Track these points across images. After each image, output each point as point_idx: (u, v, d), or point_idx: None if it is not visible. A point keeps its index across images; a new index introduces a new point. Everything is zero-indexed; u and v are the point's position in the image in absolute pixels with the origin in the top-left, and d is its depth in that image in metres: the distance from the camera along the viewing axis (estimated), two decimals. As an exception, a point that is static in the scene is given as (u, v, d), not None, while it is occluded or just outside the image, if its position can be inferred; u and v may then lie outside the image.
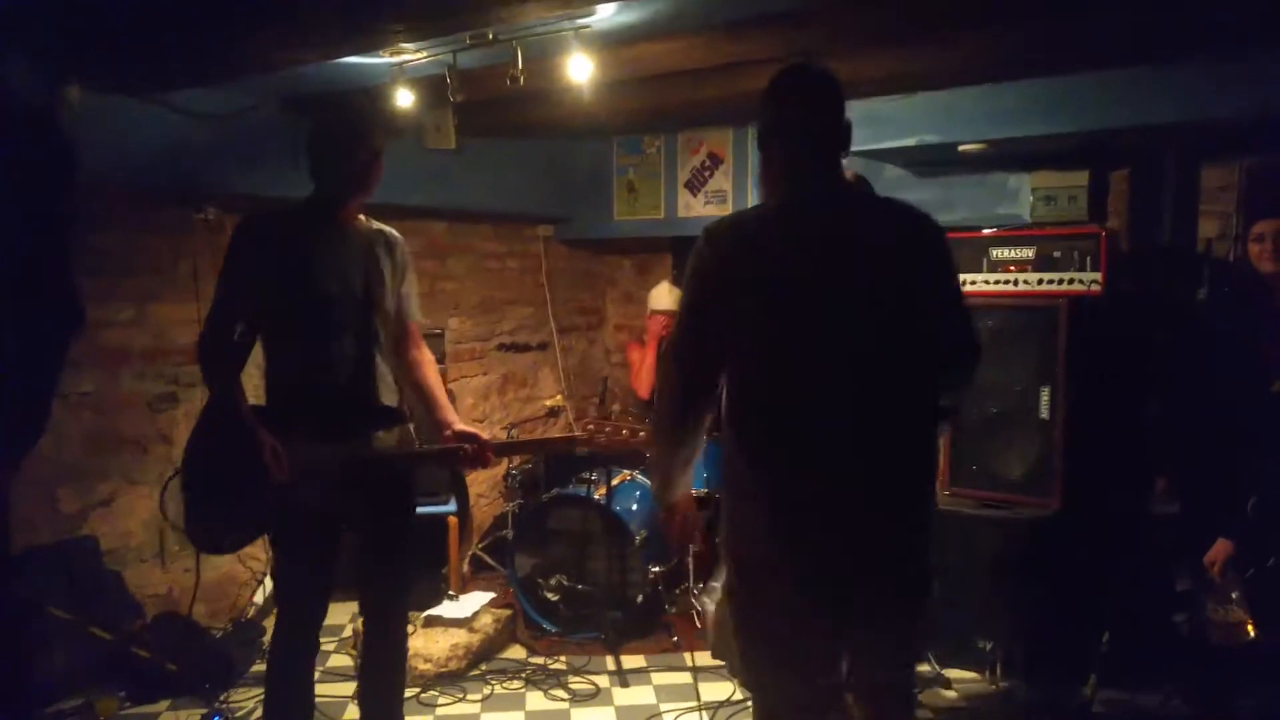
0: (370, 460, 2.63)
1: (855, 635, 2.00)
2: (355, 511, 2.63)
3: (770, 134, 2.03)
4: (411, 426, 2.72)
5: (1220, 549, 2.86)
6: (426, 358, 2.84)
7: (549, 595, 4.04)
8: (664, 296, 4.98)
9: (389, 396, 2.67)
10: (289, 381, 2.57)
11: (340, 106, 2.57)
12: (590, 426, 2.90)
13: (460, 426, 2.73)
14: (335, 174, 2.55)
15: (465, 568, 4.65)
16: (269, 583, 4.21)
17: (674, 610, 4.11)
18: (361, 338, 2.58)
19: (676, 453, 2.10)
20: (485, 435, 2.74)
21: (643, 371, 4.98)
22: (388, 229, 2.74)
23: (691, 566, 4.22)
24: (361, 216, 2.69)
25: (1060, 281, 3.64)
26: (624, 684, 3.64)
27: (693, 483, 2.24)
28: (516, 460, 4.68)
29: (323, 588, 2.67)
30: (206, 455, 2.55)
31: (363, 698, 2.88)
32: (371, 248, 2.64)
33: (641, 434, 2.86)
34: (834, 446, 1.88)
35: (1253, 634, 2.86)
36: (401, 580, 2.83)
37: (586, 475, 4.20)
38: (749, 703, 3.41)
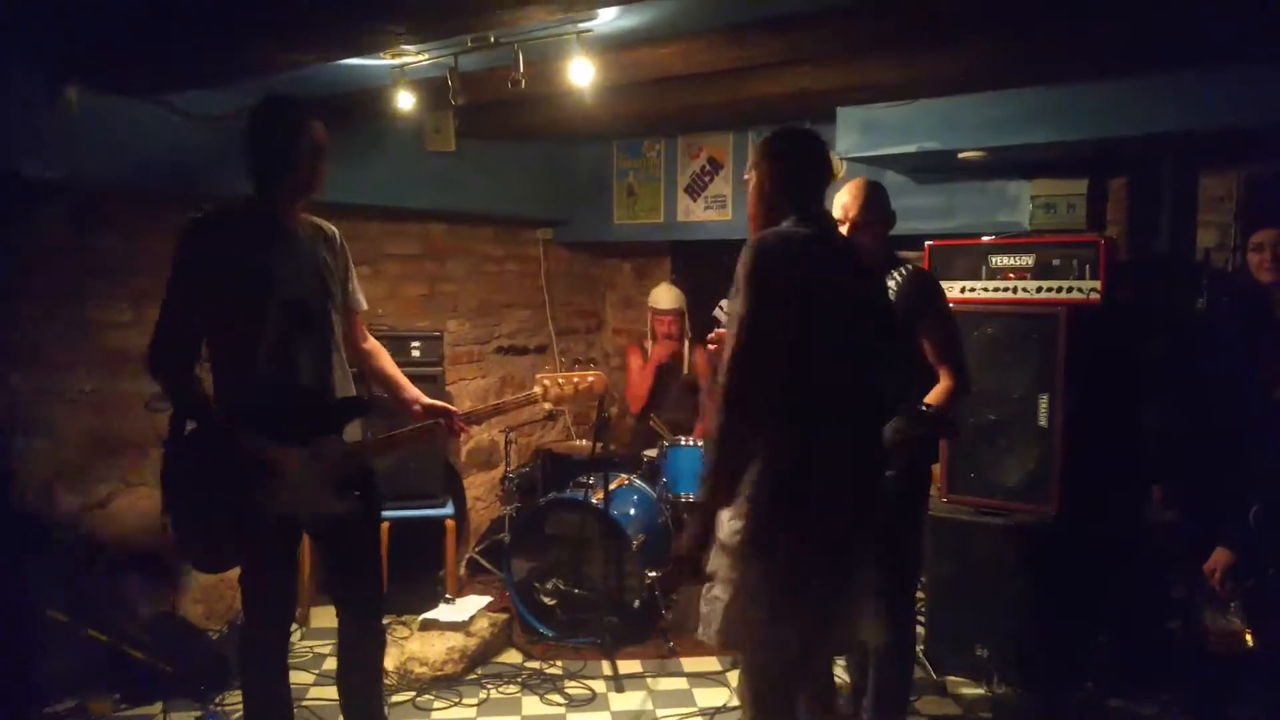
0: (353, 453, 2.62)
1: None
2: (328, 512, 2.57)
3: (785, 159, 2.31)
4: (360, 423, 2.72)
5: (1220, 557, 2.86)
6: (376, 344, 2.87)
7: (546, 599, 4.04)
8: (665, 295, 5.00)
9: (349, 388, 2.67)
10: (248, 385, 2.51)
11: (277, 101, 2.52)
12: (545, 382, 2.90)
13: (427, 401, 2.78)
14: (279, 173, 2.49)
15: (462, 571, 4.65)
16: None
17: (671, 615, 4.10)
18: (319, 335, 2.57)
19: (735, 465, 2.17)
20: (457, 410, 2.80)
21: (640, 385, 5.00)
22: (323, 223, 2.70)
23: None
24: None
25: (1059, 290, 3.64)
26: (620, 689, 3.63)
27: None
28: (514, 464, 4.68)
29: (293, 591, 2.76)
30: (185, 474, 2.53)
31: (345, 699, 2.86)
32: (316, 244, 2.63)
33: (591, 379, 2.94)
34: (867, 438, 2.29)
35: (1251, 643, 2.86)
36: (379, 577, 2.84)
37: (584, 479, 4.20)
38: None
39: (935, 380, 2.80)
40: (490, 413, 3.06)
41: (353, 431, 2.66)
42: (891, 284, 2.76)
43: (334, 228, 2.73)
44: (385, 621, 3.78)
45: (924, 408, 2.71)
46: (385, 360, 2.85)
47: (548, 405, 2.96)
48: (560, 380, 2.90)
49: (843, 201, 2.86)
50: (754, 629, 2.19)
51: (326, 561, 2.76)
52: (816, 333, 2.15)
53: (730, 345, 2.12)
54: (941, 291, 2.91)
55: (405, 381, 2.83)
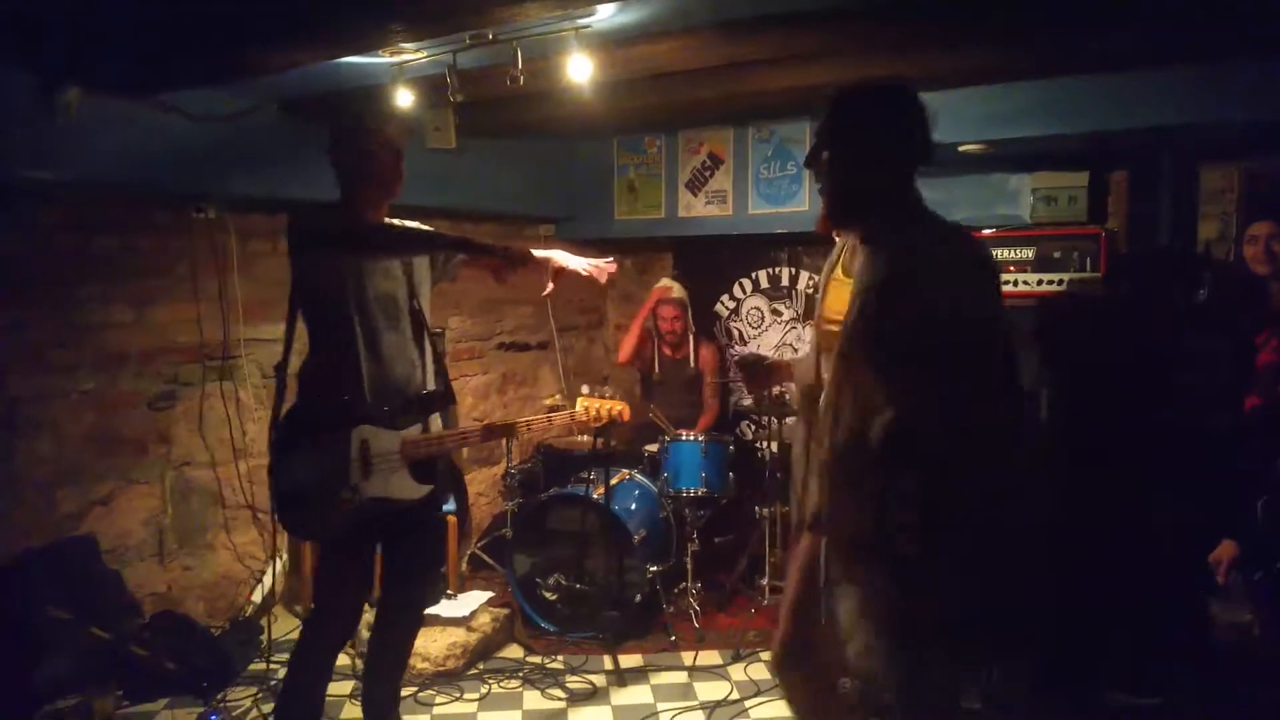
0: (433, 442, 2.79)
1: None
2: (405, 497, 2.75)
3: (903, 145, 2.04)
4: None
5: (1226, 550, 2.85)
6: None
7: (547, 595, 4.05)
8: (674, 285, 5.15)
9: (439, 380, 2.87)
10: (345, 375, 2.64)
11: (354, 111, 2.70)
12: (586, 404, 3.23)
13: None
14: (361, 178, 2.70)
15: (464, 567, 4.66)
16: (267, 581, 4.22)
17: (672, 610, 4.11)
18: (408, 328, 2.76)
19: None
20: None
21: (629, 339, 5.15)
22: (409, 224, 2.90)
23: (690, 567, 4.22)
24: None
25: (1059, 282, 3.64)
26: (621, 683, 3.64)
27: None
28: (515, 460, 4.68)
29: (362, 599, 2.87)
30: (286, 445, 2.66)
31: (366, 684, 2.98)
32: None
33: (620, 409, 3.23)
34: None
35: (1258, 635, 2.86)
36: (433, 575, 3.05)
37: (585, 475, 4.20)
38: (745, 702, 3.43)
39: None
40: (543, 423, 3.27)
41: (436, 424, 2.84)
42: None
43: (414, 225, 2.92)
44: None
45: None
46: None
47: (581, 421, 3.25)
48: (598, 404, 3.21)
49: None
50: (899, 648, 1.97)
51: (387, 554, 2.93)
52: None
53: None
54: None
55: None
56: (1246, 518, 2.83)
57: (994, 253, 3.81)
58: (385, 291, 2.71)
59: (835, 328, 2.02)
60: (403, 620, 2.97)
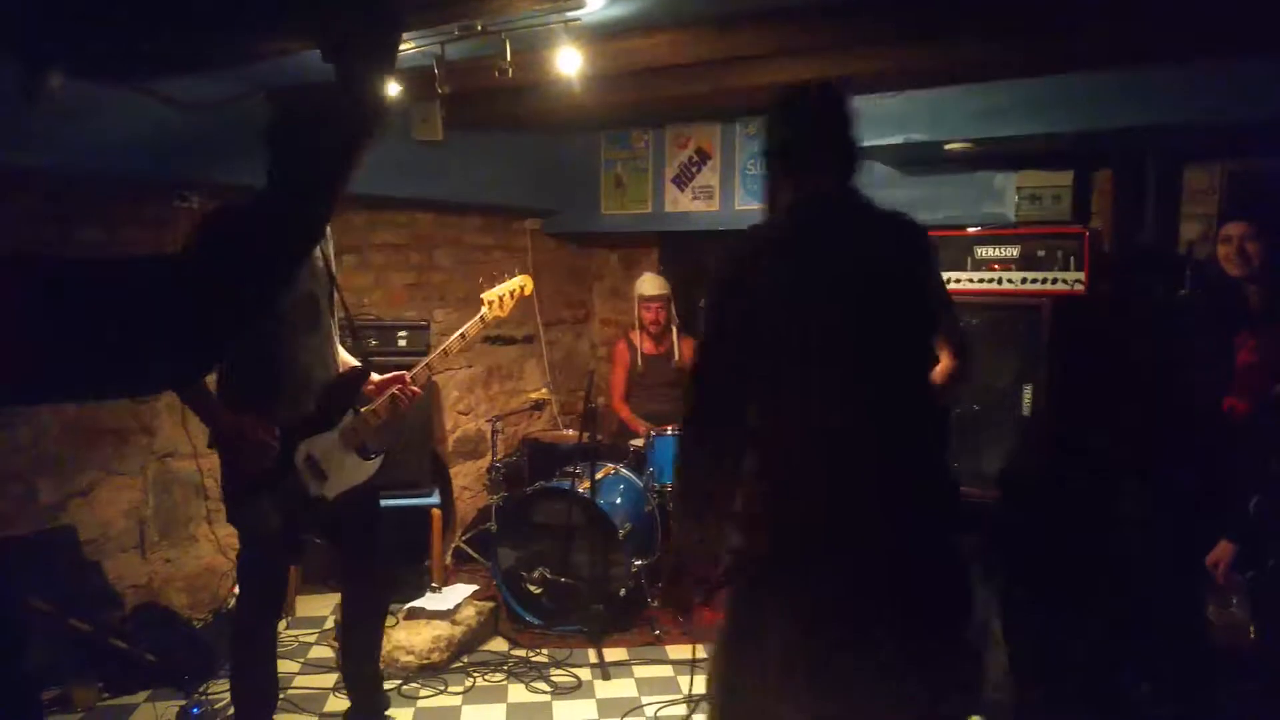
0: (369, 418, 2.83)
1: None
2: (362, 481, 2.84)
3: (785, 150, 2.02)
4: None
5: (1223, 550, 2.86)
6: None
7: (532, 588, 4.05)
8: (650, 283, 5.05)
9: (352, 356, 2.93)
10: (272, 379, 2.64)
11: (303, 99, 2.63)
12: (490, 300, 3.20)
13: (378, 379, 2.93)
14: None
15: (448, 560, 4.65)
16: (250, 574, 4.20)
17: (656, 604, 4.12)
18: (328, 324, 2.78)
19: (702, 493, 1.91)
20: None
21: (618, 384, 5.12)
22: None
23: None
24: None
25: (1044, 281, 3.66)
26: (606, 677, 3.65)
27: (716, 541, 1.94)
28: (501, 454, 4.68)
29: (287, 578, 2.96)
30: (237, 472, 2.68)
31: (346, 668, 3.07)
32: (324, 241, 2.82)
33: (520, 283, 3.23)
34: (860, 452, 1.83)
35: (1253, 635, 2.88)
36: (379, 549, 3.02)
37: (571, 469, 4.20)
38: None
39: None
40: (440, 357, 3.07)
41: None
42: None
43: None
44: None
45: None
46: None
47: (493, 316, 3.17)
48: (497, 293, 3.16)
49: None
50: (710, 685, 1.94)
51: (340, 541, 2.95)
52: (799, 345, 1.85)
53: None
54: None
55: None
56: (1239, 518, 2.85)
57: (979, 251, 3.84)
58: (305, 292, 2.67)
59: None
60: (374, 593, 3.02)
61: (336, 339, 2.85)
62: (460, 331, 3.09)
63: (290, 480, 2.66)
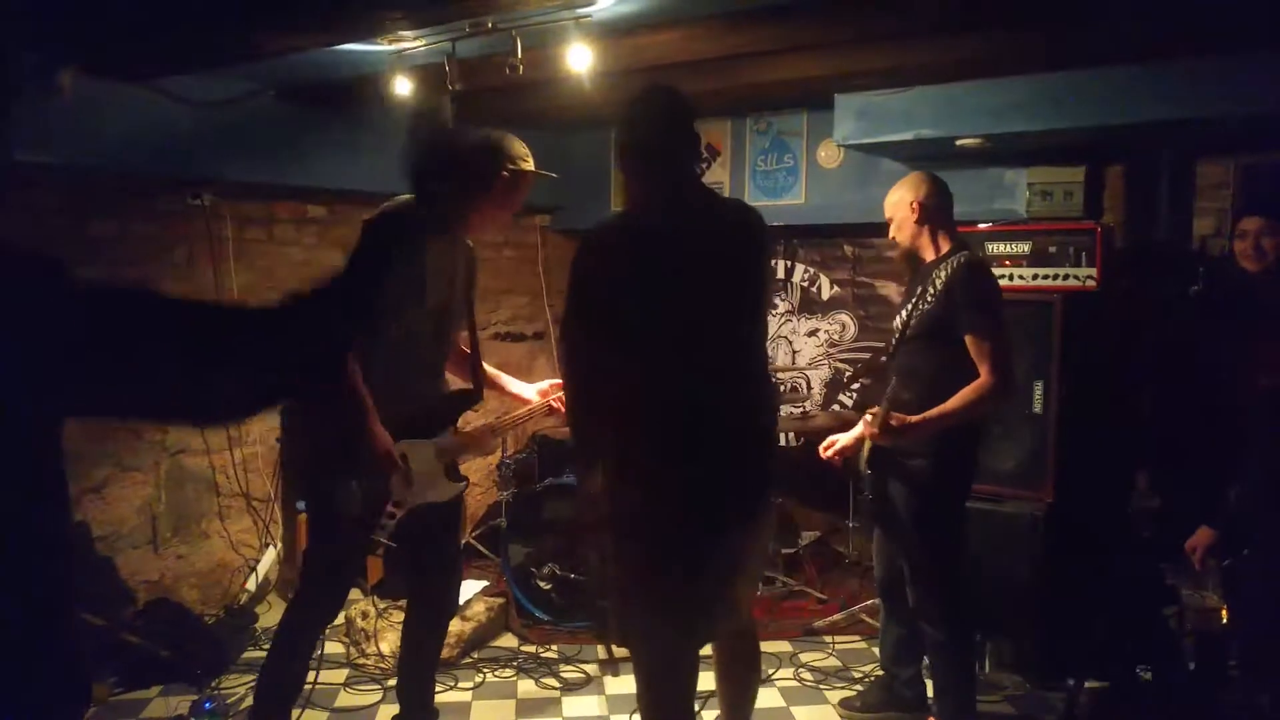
0: (465, 442, 2.88)
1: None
2: (445, 499, 2.83)
3: (634, 151, 2.30)
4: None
5: (1202, 536, 2.88)
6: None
7: (541, 584, 4.05)
8: None
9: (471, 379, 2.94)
10: (392, 381, 2.65)
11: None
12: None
13: (531, 391, 3.05)
14: (466, 191, 2.68)
15: (458, 556, 4.65)
16: (261, 569, 4.22)
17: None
18: (451, 340, 2.85)
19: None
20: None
21: None
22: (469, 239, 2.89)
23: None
24: None
25: (1055, 277, 3.65)
26: (615, 672, 3.65)
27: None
28: (511, 450, 4.68)
29: (351, 586, 2.94)
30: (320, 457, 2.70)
31: (403, 679, 3.02)
32: (469, 256, 2.87)
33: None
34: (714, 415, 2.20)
35: (1225, 621, 2.89)
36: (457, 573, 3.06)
37: (581, 465, 4.21)
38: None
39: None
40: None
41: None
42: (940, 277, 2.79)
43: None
44: (382, 606, 3.81)
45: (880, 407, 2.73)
46: (489, 369, 3.06)
47: None
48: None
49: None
50: (630, 621, 2.26)
51: (412, 555, 2.88)
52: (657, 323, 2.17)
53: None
54: (981, 287, 2.77)
55: (505, 379, 3.08)
56: (1219, 506, 2.86)
57: (990, 247, 3.82)
58: (437, 304, 2.71)
59: None
60: (441, 611, 3.00)
61: (455, 348, 2.88)
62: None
63: (379, 478, 2.62)
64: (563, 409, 2.95)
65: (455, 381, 2.94)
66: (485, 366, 3.00)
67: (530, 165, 2.73)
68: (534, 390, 3.04)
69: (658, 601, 2.23)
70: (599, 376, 2.18)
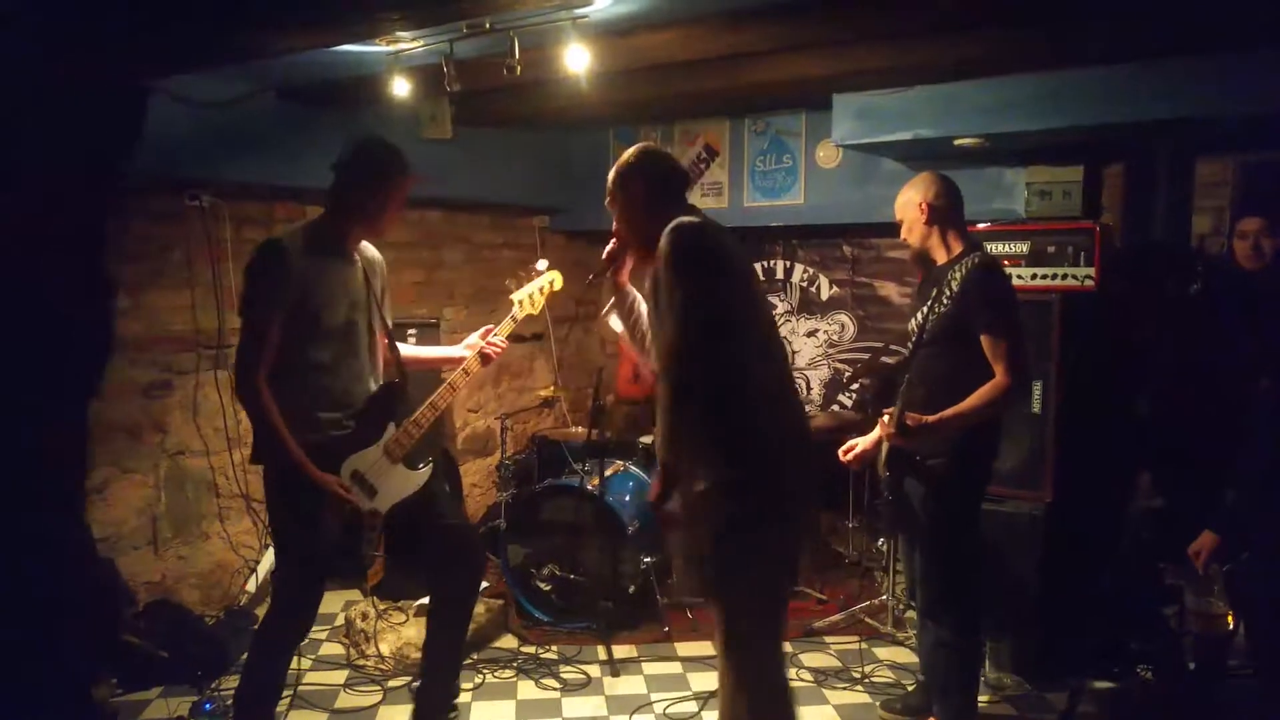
0: (411, 430, 2.84)
1: None
2: (414, 491, 2.85)
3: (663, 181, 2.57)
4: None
5: (1206, 540, 2.88)
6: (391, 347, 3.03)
7: (541, 585, 4.05)
8: None
9: (390, 370, 2.93)
10: (311, 398, 2.65)
11: (381, 147, 2.78)
12: (521, 299, 3.18)
13: (463, 353, 3.05)
14: (360, 205, 2.71)
15: (458, 557, 4.66)
16: (261, 570, 4.22)
17: (666, 601, 4.12)
18: (367, 349, 2.81)
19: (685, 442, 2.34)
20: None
21: (627, 369, 5.09)
22: (372, 248, 2.90)
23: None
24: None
25: (1054, 276, 3.65)
26: (615, 673, 3.65)
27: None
28: (510, 451, 4.68)
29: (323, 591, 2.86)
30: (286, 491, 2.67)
31: (429, 662, 3.03)
32: (369, 268, 2.84)
33: (550, 278, 3.23)
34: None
35: (1230, 625, 2.89)
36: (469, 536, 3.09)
37: (579, 466, 4.21)
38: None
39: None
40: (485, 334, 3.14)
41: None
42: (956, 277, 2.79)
43: (376, 252, 2.93)
44: (382, 607, 3.82)
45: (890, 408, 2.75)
46: (410, 351, 3.07)
47: (524, 314, 3.19)
48: (528, 291, 3.17)
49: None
50: (739, 576, 2.28)
51: (410, 550, 2.98)
52: (752, 307, 2.37)
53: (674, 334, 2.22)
54: (996, 287, 2.77)
55: (435, 351, 3.15)
56: (1221, 510, 2.86)
57: (989, 247, 3.82)
58: (344, 320, 2.70)
59: None
60: (460, 588, 2.99)
61: (379, 358, 2.86)
62: (495, 332, 3.09)
63: (339, 501, 2.64)
64: (496, 354, 3.04)
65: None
66: (407, 350, 3.03)
67: (394, 173, 2.75)
68: (462, 348, 3.05)
69: (771, 578, 2.34)
70: (722, 369, 2.23)
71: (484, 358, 3.02)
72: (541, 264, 3.24)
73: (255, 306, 2.59)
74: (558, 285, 3.18)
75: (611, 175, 2.57)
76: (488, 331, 3.05)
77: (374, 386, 2.81)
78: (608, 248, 2.67)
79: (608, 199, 2.60)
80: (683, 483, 2.32)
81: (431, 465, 2.90)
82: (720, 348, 2.22)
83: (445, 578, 2.96)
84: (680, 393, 2.23)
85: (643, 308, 2.67)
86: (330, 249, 2.69)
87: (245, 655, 2.85)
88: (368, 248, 2.87)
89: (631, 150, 2.60)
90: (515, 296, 3.15)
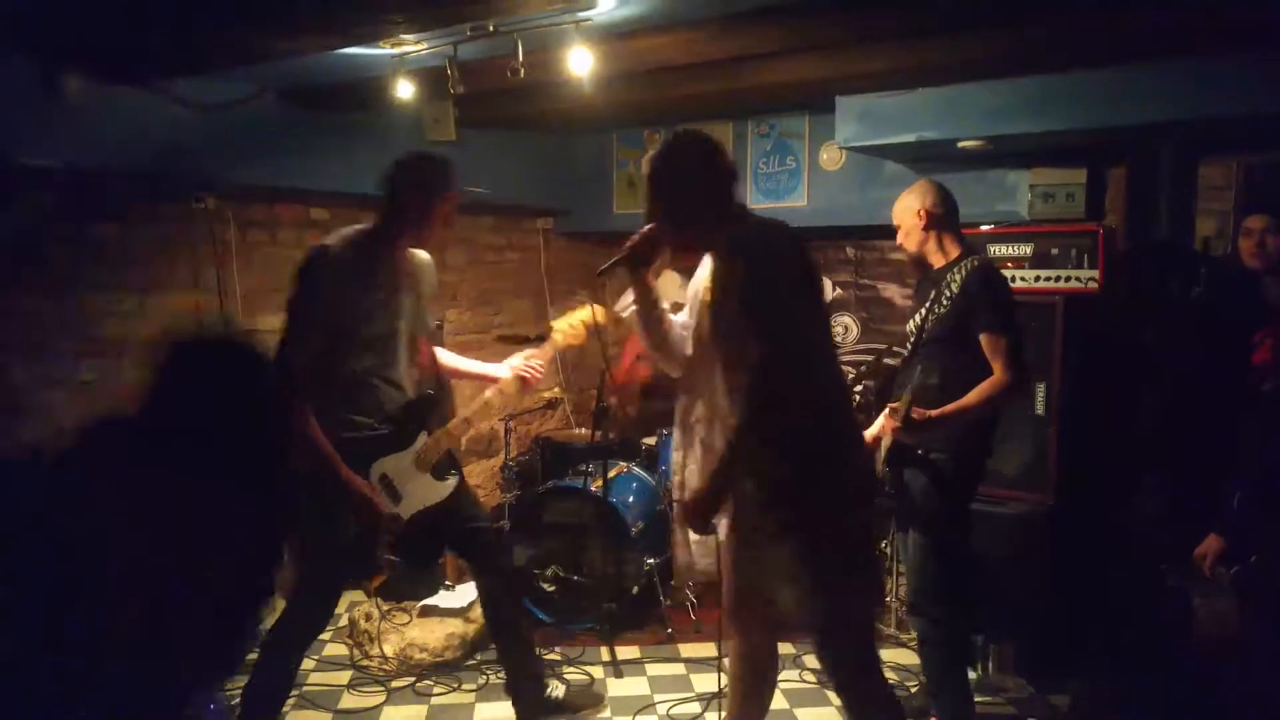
0: (441, 441, 2.90)
1: None
2: (438, 501, 2.89)
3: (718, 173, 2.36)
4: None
5: (1211, 543, 2.88)
6: (435, 353, 3.11)
7: (545, 586, 4.06)
8: (672, 288, 4.96)
9: (428, 381, 3.02)
10: (352, 405, 2.72)
11: (429, 161, 2.81)
12: (557, 336, 3.13)
13: (502, 375, 3.06)
14: (408, 217, 2.75)
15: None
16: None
17: (669, 602, 4.12)
18: (408, 355, 2.86)
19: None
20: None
21: (627, 363, 5.07)
22: (422, 254, 2.93)
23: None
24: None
25: (1057, 279, 3.65)
26: (618, 675, 3.66)
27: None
28: (514, 452, 4.69)
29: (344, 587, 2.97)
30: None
31: (504, 651, 3.14)
32: (418, 273, 2.89)
33: (590, 310, 3.13)
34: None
35: (1238, 628, 2.88)
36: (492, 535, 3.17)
37: (583, 467, 4.21)
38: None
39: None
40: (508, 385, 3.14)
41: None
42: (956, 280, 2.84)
43: (428, 257, 2.96)
44: (385, 608, 3.82)
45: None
46: (450, 360, 3.13)
47: (565, 345, 3.18)
48: (569, 323, 3.14)
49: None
50: (828, 600, 2.23)
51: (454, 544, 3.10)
52: (827, 318, 2.42)
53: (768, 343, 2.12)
54: (996, 289, 2.85)
55: (476, 366, 3.14)
56: (1226, 512, 2.85)
57: (992, 249, 3.83)
58: (387, 329, 2.75)
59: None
60: (498, 587, 3.06)
61: (418, 365, 2.92)
62: (534, 356, 3.10)
63: (364, 502, 2.69)
64: (535, 380, 3.03)
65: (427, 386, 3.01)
66: (448, 358, 3.08)
67: (450, 190, 2.78)
68: (503, 367, 3.06)
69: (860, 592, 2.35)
70: (814, 386, 2.21)
71: (522, 381, 3.04)
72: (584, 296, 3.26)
73: (300, 310, 2.65)
74: (600, 319, 3.12)
75: (654, 163, 2.38)
76: (530, 356, 3.06)
77: (411, 393, 2.86)
78: (634, 242, 2.44)
79: (649, 189, 2.41)
80: (747, 507, 2.25)
81: (457, 477, 2.94)
82: (814, 363, 2.22)
83: (488, 580, 3.05)
84: (771, 410, 2.13)
85: (664, 305, 2.61)
86: (378, 256, 2.74)
87: (253, 655, 2.86)
88: (417, 253, 2.90)
89: (678, 135, 2.41)
90: (555, 325, 3.16)
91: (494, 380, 3.05)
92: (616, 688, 3.57)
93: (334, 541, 2.69)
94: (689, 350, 2.50)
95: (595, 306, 3.18)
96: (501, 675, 3.63)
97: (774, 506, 2.21)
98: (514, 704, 3.12)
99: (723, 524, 2.34)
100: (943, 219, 2.92)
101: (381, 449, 2.75)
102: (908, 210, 2.96)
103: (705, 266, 2.46)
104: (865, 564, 2.38)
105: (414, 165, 2.76)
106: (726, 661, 3.53)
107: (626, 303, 2.62)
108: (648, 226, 2.42)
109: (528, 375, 3.03)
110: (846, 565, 2.25)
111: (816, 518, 2.20)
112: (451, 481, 2.91)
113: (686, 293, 4.92)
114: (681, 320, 2.59)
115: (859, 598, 2.33)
